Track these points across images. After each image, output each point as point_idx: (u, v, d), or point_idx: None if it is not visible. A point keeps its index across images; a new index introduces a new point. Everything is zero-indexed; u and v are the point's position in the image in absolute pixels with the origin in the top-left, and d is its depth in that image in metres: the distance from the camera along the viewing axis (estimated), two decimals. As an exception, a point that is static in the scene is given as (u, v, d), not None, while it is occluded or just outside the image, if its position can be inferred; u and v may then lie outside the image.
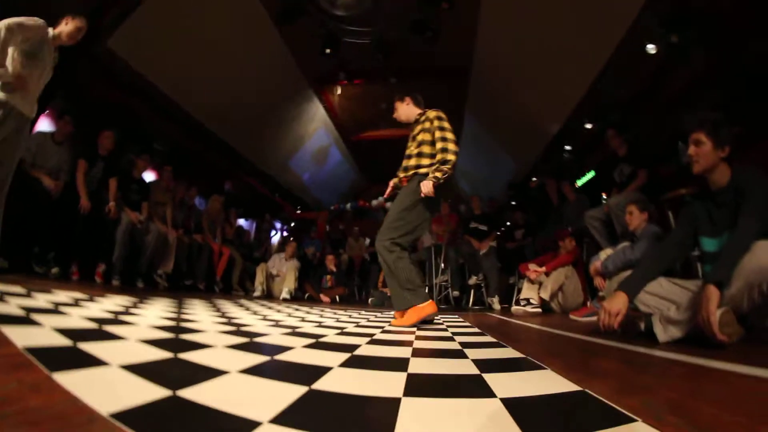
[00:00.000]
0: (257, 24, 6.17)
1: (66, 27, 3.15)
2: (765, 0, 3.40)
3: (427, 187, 2.93)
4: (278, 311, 3.68)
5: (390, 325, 2.87)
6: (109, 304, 2.53)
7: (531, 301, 4.69)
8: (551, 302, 4.70)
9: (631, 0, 4.31)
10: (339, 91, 8.71)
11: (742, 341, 1.82)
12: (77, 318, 1.75)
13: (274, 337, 1.90)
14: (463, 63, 7.15)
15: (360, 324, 2.88)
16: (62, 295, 2.54)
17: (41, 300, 2.16)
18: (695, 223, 2.24)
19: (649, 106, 5.37)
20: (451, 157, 2.96)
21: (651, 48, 4.45)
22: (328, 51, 6.82)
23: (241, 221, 9.93)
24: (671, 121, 4.99)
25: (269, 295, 6.66)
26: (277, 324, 2.50)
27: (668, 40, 4.08)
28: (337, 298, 7.12)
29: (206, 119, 7.32)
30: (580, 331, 2.70)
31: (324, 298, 6.89)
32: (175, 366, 1.14)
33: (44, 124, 5.15)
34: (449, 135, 3.03)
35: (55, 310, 1.89)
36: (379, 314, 4.16)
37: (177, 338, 1.59)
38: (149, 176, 6.18)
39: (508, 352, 1.67)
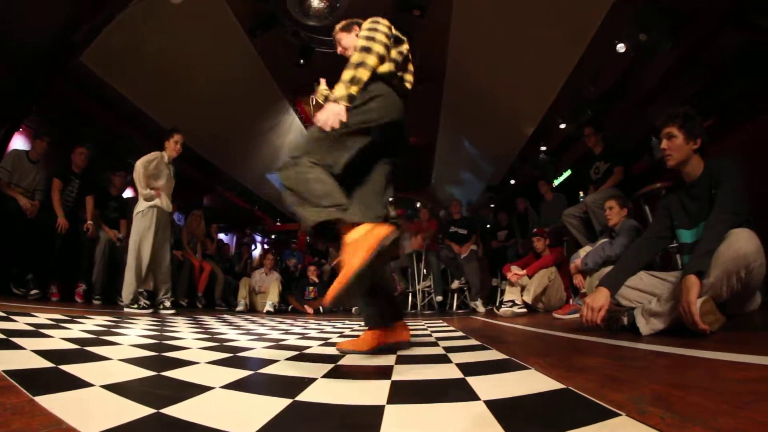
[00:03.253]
0: (231, 36, 6.12)
1: (169, 146, 4.59)
2: None
3: (324, 116, 1.75)
4: (261, 325, 3.64)
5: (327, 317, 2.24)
6: (91, 324, 2.47)
7: (516, 301, 4.71)
8: (536, 304, 4.72)
9: (600, 0, 4.42)
10: (314, 102, 8.68)
11: (723, 328, 1.84)
12: (58, 340, 1.73)
13: (258, 351, 1.88)
14: (437, 68, 7.19)
15: (344, 334, 2.86)
16: (42, 317, 2.49)
17: (21, 323, 2.11)
18: (671, 216, 2.28)
19: (621, 103, 5.48)
20: (358, 58, 1.85)
21: (621, 47, 4.54)
22: (302, 62, 6.81)
23: (221, 235, 9.81)
24: (644, 116, 5.09)
25: (252, 309, 6.57)
26: (260, 338, 2.48)
27: (637, 39, 4.16)
28: (321, 308, 7.05)
29: (182, 133, 7.21)
30: (564, 329, 2.71)
31: (307, 309, 6.82)
32: (158, 384, 1.13)
33: (19, 143, 5.04)
34: (378, 36, 1.91)
35: (35, 332, 1.86)
36: (363, 323, 4.12)
37: (160, 356, 1.57)
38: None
39: (492, 354, 1.67)
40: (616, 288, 2.25)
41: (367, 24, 2.02)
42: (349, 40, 2.27)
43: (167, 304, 4.48)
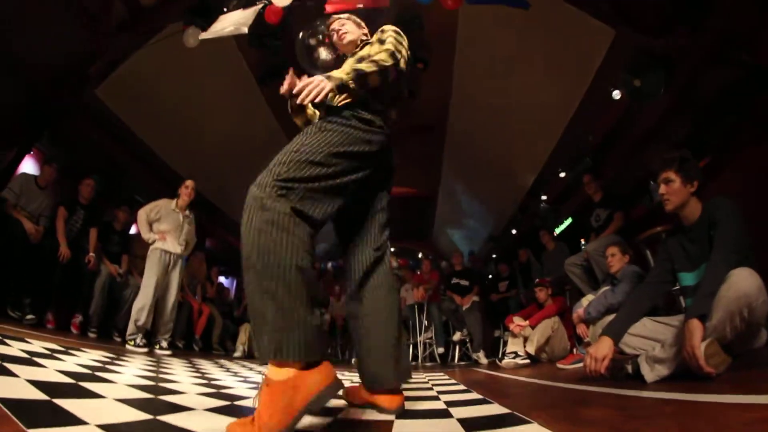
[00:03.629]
0: (242, 84, 6.35)
1: (181, 191, 4.83)
2: (718, 33, 3.66)
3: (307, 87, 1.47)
4: (260, 372, 3.56)
5: None
6: (86, 358, 2.42)
7: (519, 353, 4.61)
8: (540, 354, 4.62)
9: (594, 50, 4.62)
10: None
11: (730, 369, 1.80)
12: (53, 371, 1.70)
13: (256, 399, 1.82)
14: (439, 120, 7.39)
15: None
16: (37, 345, 2.44)
17: (15, 348, 2.08)
18: (672, 260, 2.27)
19: (618, 148, 5.55)
20: (386, 58, 1.62)
21: (616, 94, 4.71)
22: (310, 113, 7.01)
23: (222, 279, 9.74)
24: (641, 160, 5.16)
25: (250, 356, 6.42)
26: (258, 386, 2.41)
27: (632, 85, 4.30)
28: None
29: (188, 174, 7.30)
30: (568, 380, 2.65)
31: (306, 358, 6.66)
32: (154, 429, 1.12)
33: (29, 166, 5.11)
34: (402, 49, 1.74)
35: (30, 360, 1.83)
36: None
37: (156, 399, 1.54)
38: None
39: (494, 409, 1.62)
40: (619, 336, 2.22)
41: (393, 32, 1.81)
42: (354, 28, 2.04)
43: (164, 344, 4.52)
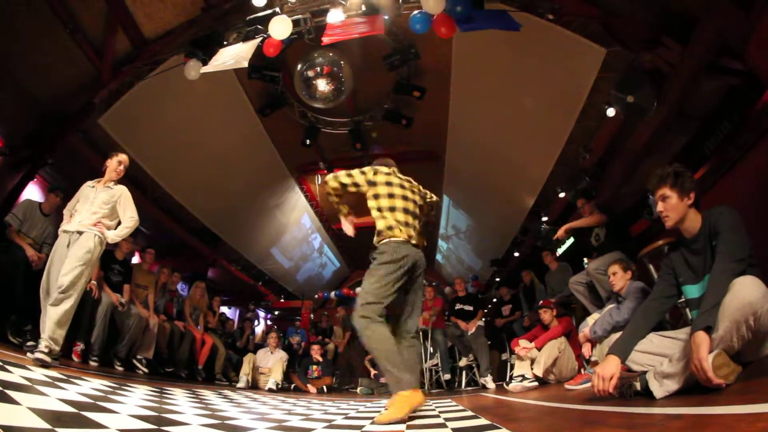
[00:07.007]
0: (241, 114, 6.48)
1: (111, 165, 3.85)
2: (708, 43, 3.70)
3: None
4: (264, 403, 3.52)
5: (374, 422, 2.24)
6: (87, 387, 2.39)
7: (526, 375, 4.54)
8: (547, 376, 4.55)
9: (587, 69, 4.71)
10: (319, 181, 8.94)
11: (740, 378, 1.77)
12: (54, 400, 1.68)
13: (260, 431, 1.82)
14: (437, 147, 7.49)
15: (349, 415, 2.78)
16: (38, 372, 2.43)
17: (17, 375, 2.06)
18: (675, 274, 2.26)
19: (617, 164, 5.58)
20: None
21: (611, 111, 4.80)
22: (308, 142, 7.12)
23: (224, 309, 9.69)
24: (639, 175, 5.18)
25: (254, 386, 6.35)
26: (263, 417, 2.41)
27: (625, 101, 4.35)
28: (324, 388, 6.80)
29: (190, 204, 7.39)
30: (577, 401, 2.64)
31: (310, 388, 6.59)
32: None
33: (34, 193, 5.16)
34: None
35: (31, 387, 1.82)
36: (368, 404, 3.97)
37: (159, 429, 1.53)
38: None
39: (503, 434, 1.59)
40: (626, 354, 2.19)
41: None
42: None
43: (38, 350, 2.94)
